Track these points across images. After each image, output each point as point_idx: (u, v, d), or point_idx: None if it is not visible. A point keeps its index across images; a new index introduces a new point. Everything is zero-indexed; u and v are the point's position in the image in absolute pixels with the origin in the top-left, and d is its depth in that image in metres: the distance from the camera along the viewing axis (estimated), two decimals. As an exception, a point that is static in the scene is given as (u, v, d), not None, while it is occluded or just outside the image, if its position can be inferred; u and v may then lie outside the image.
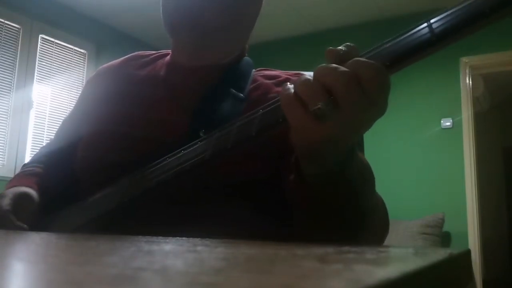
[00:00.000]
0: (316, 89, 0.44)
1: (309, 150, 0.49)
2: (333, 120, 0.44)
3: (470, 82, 3.73)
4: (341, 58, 0.45)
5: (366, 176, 0.58)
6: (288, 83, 0.48)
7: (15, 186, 0.78)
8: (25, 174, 0.84)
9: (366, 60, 0.44)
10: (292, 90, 0.46)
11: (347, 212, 0.55)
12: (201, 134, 0.63)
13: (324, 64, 0.45)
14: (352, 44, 0.47)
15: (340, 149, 0.49)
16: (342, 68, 0.44)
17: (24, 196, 0.76)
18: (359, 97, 0.43)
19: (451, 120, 3.69)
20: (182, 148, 0.62)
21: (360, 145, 0.79)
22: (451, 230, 3.55)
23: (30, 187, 0.79)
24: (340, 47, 0.47)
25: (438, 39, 0.44)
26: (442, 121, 3.71)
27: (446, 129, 3.71)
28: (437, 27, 0.44)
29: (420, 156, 3.75)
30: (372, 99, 0.43)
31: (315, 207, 0.56)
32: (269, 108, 0.53)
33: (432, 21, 0.44)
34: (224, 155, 0.57)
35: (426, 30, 0.44)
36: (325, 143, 0.47)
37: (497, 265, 4.97)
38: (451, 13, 0.43)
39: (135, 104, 0.77)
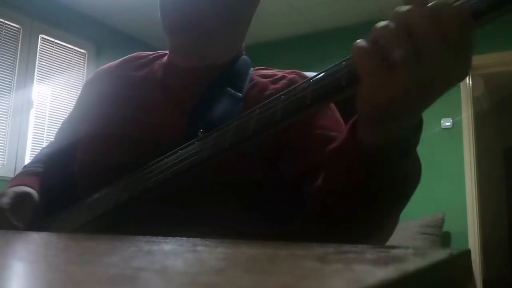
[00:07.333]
0: (396, 31, 0.41)
1: (376, 111, 0.45)
2: (411, 70, 0.41)
3: (470, 82, 3.73)
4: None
5: (416, 164, 0.56)
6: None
7: (17, 185, 0.78)
8: (27, 173, 0.85)
9: (454, 4, 0.41)
10: (366, 42, 0.43)
11: (386, 195, 0.53)
12: (199, 134, 0.63)
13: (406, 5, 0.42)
14: None
15: (407, 117, 0.46)
16: (426, 9, 0.40)
17: (24, 195, 0.76)
18: (441, 43, 0.40)
19: (451, 120, 3.69)
20: (180, 147, 0.62)
21: None
22: (451, 230, 3.54)
23: (31, 186, 0.79)
24: None
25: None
26: (442, 121, 3.71)
27: (446, 129, 3.70)
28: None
29: (420, 156, 3.74)
30: (454, 50, 0.40)
31: (357, 182, 0.53)
32: (265, 108, 0.53)
33: None
34: (221, 155, 0.57)
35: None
36: (395, 102, 0.43)
37: (497, 265, 4.97)
38: None
39: (133, 106, 0.77)
